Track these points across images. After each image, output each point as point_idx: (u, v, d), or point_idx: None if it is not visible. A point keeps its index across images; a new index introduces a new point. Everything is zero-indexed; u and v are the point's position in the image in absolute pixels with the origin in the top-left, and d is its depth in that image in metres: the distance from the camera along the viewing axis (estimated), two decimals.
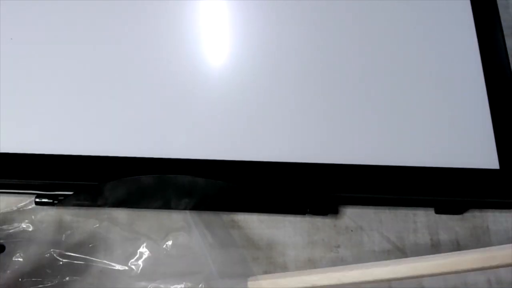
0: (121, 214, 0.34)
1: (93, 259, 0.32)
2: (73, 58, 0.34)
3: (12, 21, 0.36)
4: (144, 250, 0.32)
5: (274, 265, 0.33)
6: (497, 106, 0.33)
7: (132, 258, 0.32)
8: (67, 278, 0.32)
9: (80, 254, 0.32)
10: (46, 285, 0.31)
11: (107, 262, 0.32)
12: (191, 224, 0.33)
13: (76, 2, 0.36)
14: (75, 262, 0.32)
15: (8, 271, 0.32)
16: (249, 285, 0.29)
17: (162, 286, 0.31)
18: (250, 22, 0.36)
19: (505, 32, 0.35)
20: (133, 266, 0.32)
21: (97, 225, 0.34)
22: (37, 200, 0.33)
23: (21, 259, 0.32)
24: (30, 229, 0.33)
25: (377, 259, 0.32)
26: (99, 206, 0.33)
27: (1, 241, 0.31)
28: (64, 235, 0.33)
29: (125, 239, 0.33)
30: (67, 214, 0.34)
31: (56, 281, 0.32)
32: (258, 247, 0.33)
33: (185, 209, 0.33)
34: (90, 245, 0.33)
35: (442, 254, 0.26)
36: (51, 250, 0.32)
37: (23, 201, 0.34)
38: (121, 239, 0.33)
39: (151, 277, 0.31)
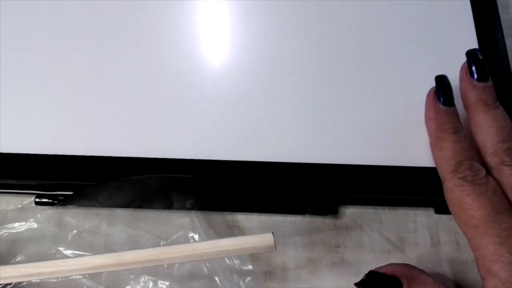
0: (124, 213, 0.34)
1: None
2: (73, 58, 0.34)
3: (12, 21, 0.36)
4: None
5: (274, 265, 0.33)
6: None
7: None
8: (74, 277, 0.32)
9: (85, 252, 0.32)
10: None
11: None
12: (195, 223, 0.33)
13: (76, 2, 0.36)
14: None
15: None
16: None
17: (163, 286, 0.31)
18: (250, 22, 0.36)
19: (505, 32, 0.35)
20: None
21: (101, 224, 0.34)
22: (37, 200, 0.33)
23: (26, 258, 0.32)
24: (34, 229, 0.33)
25: (377, 259, 0.32)
26: (99, 206, 0.33)
27: None
28: (70, 234, 0.33)
29: (128, 238, 0.33)
30: (72, 214, 0.34)
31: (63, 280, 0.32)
32: None
33: (185, 209, 0.33)
34: (94, 244, 0.33)
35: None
36: (58, 249, 0.32)
37: (27, 200, 0.34)
38: (125, 238, 0.33)
39: (154, 276, 0.31)
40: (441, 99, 0.30)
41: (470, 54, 0.30)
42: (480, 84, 0.30)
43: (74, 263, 0.29)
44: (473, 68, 0.30)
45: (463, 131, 0.29)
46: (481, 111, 0.29)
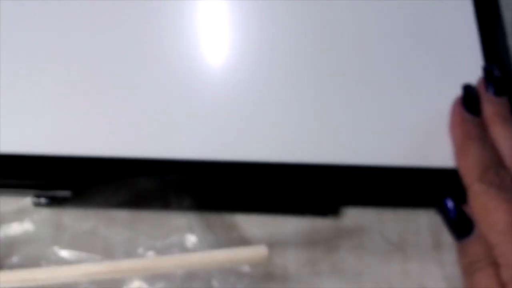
0: (122, 214, 0.34)
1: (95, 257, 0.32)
2: (72, 58, 0.34)
3: (12, 21, 0.36)
4: (144, 250, 0.32)
5: (273, 266, 0.32)
6: None
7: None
8: None
9: (82, 253, 0.32)
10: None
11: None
12: (193, 224, 0.33)
13: (76, 1, 0.36)
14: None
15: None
16: None
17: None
18: (247, 21, 0.36)
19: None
20: None
21: (99, 225, 0.33)
22: (34, 200, 0.33)
23: (22, 259, 0.32)
24: (32, 229, 0.33)
25: (378, 260, 0.32)
26: (96, 207, 0.33)
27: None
28: (65, 235, 0.33)
29: (126, 239, 0.33)
30: (69, 214, 0.34)
31: None
32: None
33: (185, 209, 0.33)
34: (92, 246, 0.33)
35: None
36: (53, 250, 0.32)
37: (23, 201, 0.33)
38: (122, 239, 0.33)
39: (149, 277, 0.31)
40: (468, 108, 0.30)
41: (487, 69, 0.31)
42: (496, 98, 0.30)
43: (70, 270, 0.29)
44: (490, 82, 0.31)
45: (488, 140, 0.29)
46: (498, 124, 0.30)
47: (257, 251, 0.29)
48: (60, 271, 0.29)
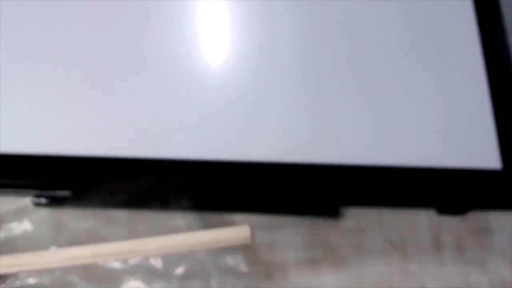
0: (121, 214, 0.34)
1: None
2: (72, 58, 0.34)
3: (12, 21, 0.36)
4: None
5: (274, 266, 0.32)
6: (500, 105, 0.33)
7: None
8: (69, 278, 0.32)
9: None
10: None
11: None
12: (192, 224, 0.33)
13: (76, 2, 0.36)
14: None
15: None
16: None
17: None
18: (247, 21, 0.36)
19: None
20: None
21: (98, 225, 0.33)
22: (34, 200, 0.33)
23: None
24: (30, 229, 0.33)
25: (378, 260, 0.32)
26: (95, 207, 0.33)
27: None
28: (64, 235, 0.33)
29: (125, 239, 0.32)
30: (69, 214, 0.34)
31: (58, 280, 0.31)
32: (257, 248, 0.33)
33: (183, 209, 0.33)
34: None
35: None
36: (52, 249, 0.32)
37: (23, 201, 0.34)
38: (122, 239, 0.32)
39: (148, 276, 0.31)
40: None
41: None
42: None
43: (52, 254, 0.29)
44: None
45: None
46: None
47: (240, 232, 0.29)
48: (43, 255, 0.30)
